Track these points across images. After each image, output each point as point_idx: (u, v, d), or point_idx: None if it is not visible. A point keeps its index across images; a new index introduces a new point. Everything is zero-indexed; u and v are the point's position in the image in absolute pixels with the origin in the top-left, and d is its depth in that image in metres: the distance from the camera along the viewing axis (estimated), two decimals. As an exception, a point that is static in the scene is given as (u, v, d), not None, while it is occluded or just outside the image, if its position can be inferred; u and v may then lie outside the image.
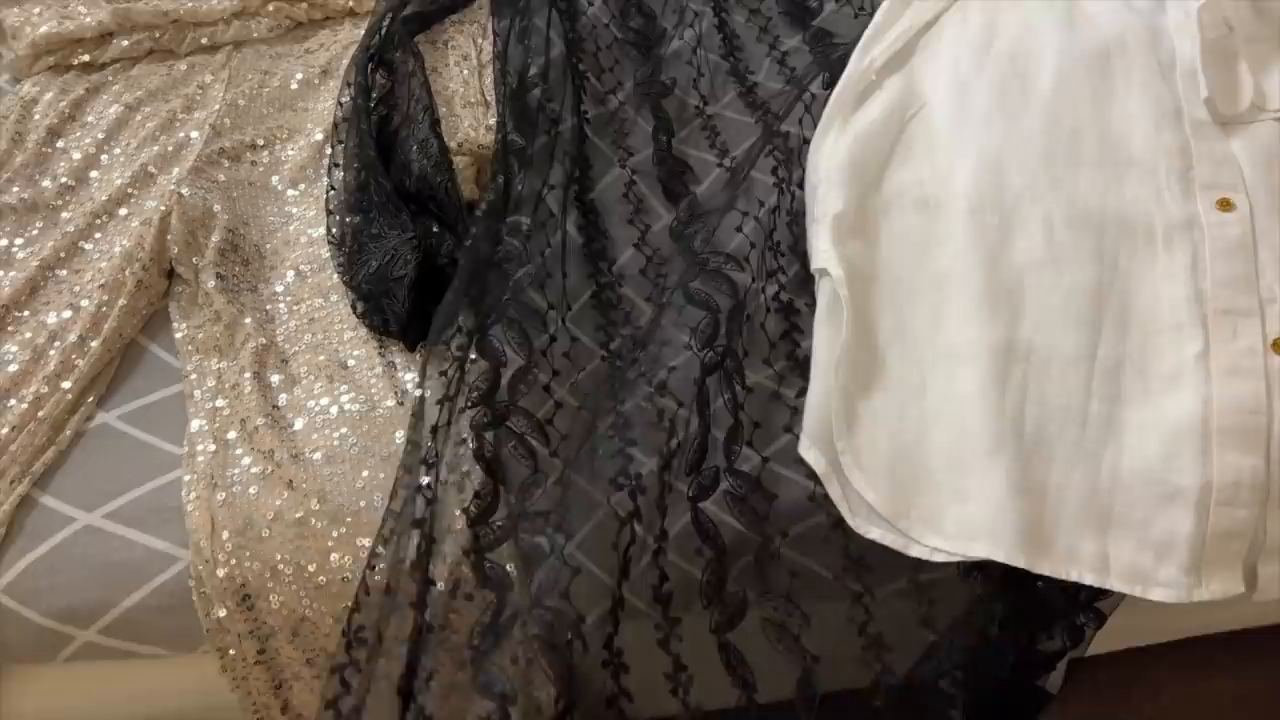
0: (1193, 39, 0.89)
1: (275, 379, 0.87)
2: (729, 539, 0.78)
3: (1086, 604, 0.80)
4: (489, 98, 1.04)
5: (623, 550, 0.77)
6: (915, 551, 0.77)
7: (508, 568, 0.78)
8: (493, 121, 1.01)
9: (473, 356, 0.85)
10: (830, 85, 0.98)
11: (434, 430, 0.81)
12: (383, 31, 1.04)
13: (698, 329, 0.85)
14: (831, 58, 1.02)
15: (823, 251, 0.85)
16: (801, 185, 0.94)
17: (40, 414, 0.84)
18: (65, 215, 0.98)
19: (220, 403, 0.86)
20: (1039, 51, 0.93)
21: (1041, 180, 0.86)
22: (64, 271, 0.94)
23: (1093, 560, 0.77)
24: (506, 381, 0.84)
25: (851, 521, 0.77)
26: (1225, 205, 0.82)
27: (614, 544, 0.77)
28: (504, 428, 0.81)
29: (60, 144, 1.04)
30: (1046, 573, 0.76)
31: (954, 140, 0.91)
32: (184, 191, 0.97)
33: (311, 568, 0.79)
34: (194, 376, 0.88)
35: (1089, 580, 0.76)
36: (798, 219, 0.92)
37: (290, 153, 1.04)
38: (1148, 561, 0.76)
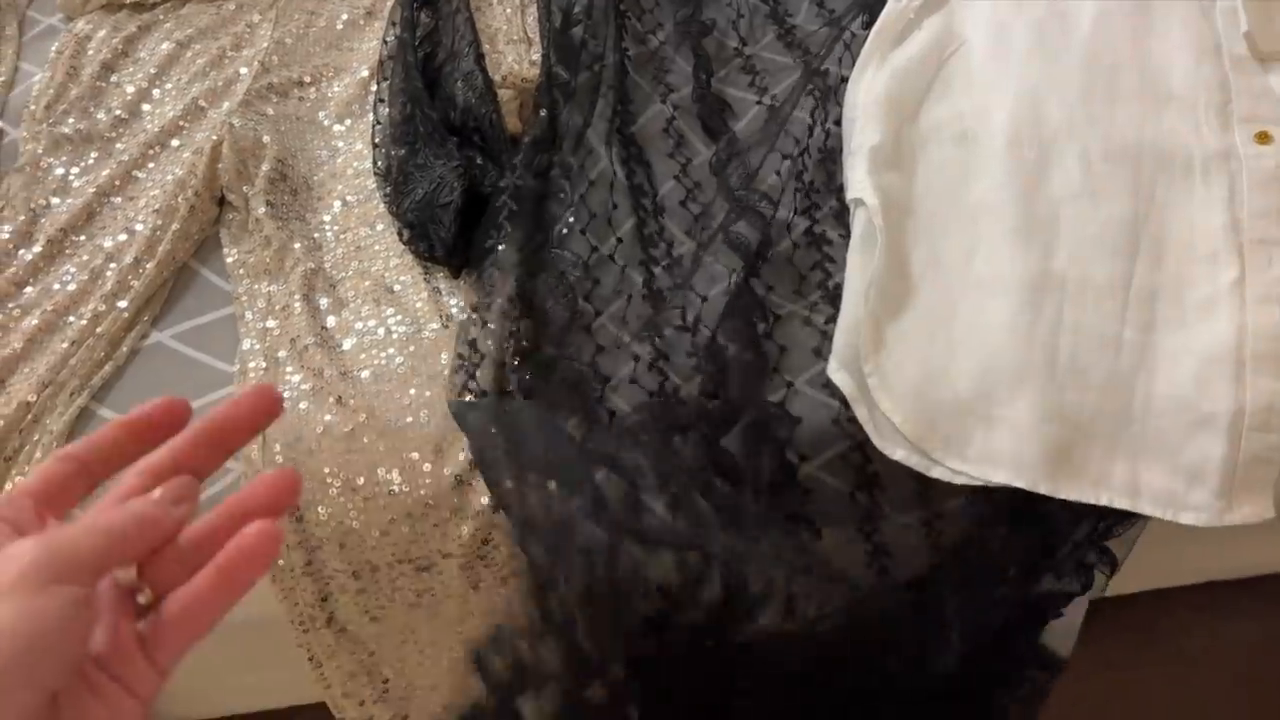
0: (1233, -24, 0.90)
1: (324, 302, 0.90)
2: (747, 469, 0.80)
3: (1094, 542, 0.81)
4: (532, 35, 1.06)
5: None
6: (936, 473, 0.78)
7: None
8: (536, 57, 1.02)
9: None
10: (870, 25, 0.99)
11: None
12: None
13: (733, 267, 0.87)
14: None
15: (858, 182, 0.87)
16: (838, 122, 0.95)
17: (99, 330, 0.87)
18: (119, 146, 1.01)
19: (270, 323, 0.88)
20: (1079, -10, 0.94)
21: (1079, 115, 0.87)
22: (119, 199, 0.97)
23: (1123, 485, 0.77)
24: (554, 334, 0.86)
25: (877, 442, 0.78)
26: (1263, 138, 0.83)
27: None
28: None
29: (114, 78, 1.06)
30: (1073, 497, 0.77)
31: (993, 77, 0.92)
32: (234, 122, 0.99)
33: (359, 481, 0.81)
34: (245, 298, 0.91)
35: (1119, 504, 0.77)
36: (833, 155, 0.93)
37: (336, 89, 1.06)
38: (1179, 486, 0.76)
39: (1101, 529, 0.83)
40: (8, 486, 0.81)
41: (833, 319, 0.85)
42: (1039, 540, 0.83)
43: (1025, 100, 0.89)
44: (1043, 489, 0.76)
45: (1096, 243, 0.82)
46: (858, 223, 0.87)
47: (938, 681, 0.87)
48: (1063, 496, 0.77)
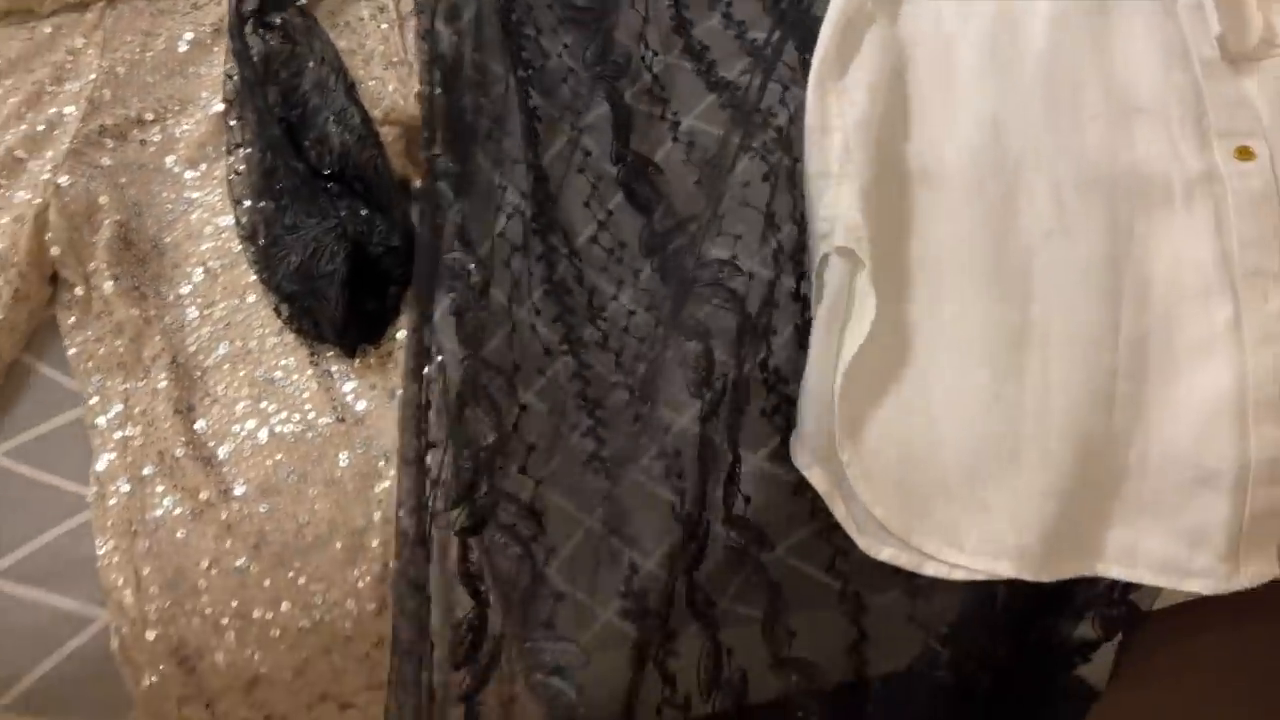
0: (1199, -32, 0.82)
1: (192, 399, 0.75)
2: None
3: (1119, 599, 0.75)
4: (414, 59, 0.91)
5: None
6: (930, 570, 0.71)
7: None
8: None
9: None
10: (801, 49, 0.86)
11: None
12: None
13: (691, 365, 0.74)
14: (795, 20, 0.90)
15: (848, 220, 0.74)
16: (792, 176, 0.83)
17: (-91, 460, 0.71)
18: (-81, 213, 0.83)
19: (131, 431, 0.74)
20: (1029, -4, 0.85)
21: (1045, 141, 0.78)
22: (-77, 282, 0.80)
23: (1120, 553, 0.72)
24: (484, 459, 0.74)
25: (860, 542, 0.71)
26: (1245, 154, 0.75)
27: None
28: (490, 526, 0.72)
29: (-95, 127, 0.88)
30: (1072, 575, 0.72)
31: (944, 105, 0.82)
32: (61, 181, 0.82)
33: (260, 618, 0.69)
34: (96, 400, 0.75)
35: (1115, 574, 0.72)
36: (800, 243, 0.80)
37: (186, 128, 0.90)
38: (1181, 551, 0.71)
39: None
40: None
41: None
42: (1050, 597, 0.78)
43: (983, 128, 0.79)
44: (1044, 577, 0.71)
45: (1077, 287, 0.74)
46: (829, 284, 0.75)
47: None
48: (1062, 578, 0.71)
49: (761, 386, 0.74)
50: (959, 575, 0.70)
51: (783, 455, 0.73)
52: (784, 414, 0.74)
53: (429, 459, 0.72)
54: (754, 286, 0.77)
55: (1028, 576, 0.69)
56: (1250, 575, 0.70)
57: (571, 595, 0.72)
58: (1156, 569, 0.71)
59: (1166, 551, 0.71)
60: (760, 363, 0.76)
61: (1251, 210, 0.74)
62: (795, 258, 0.76)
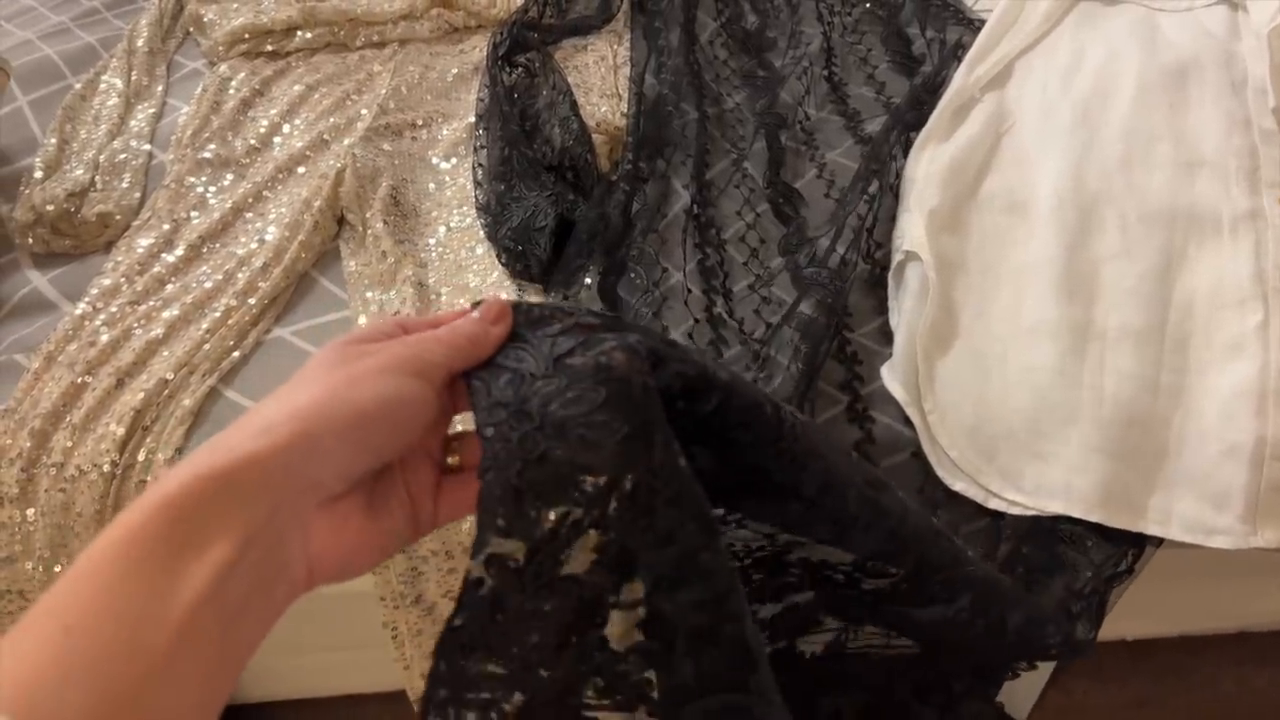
0: (1264, 61, 0.99)
1: (428, 311, 1.00)
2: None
3: (1081, 593, 0.82)
4: (623, 92, 1.17)
5: None
6: (994, 504, 0.83)
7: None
8: (627, 109, 1.14)
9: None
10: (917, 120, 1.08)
11: None
12: (512, 31, 1.18)
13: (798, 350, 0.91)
14: (929, 90, 1.13)
15: (915, 238, 0.94)
16: (893, 190, 1.03)
17: (230, 322, 0.98)
18: (252, 170, 1.13)
19: (380, 326, 0.98)
20: (1120, 71, 1.03)
21: (1118, 182, 0.95)
22: (250, 214, 1.08)
23: (1158, 515, 0.83)
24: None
25: (939, 473, 0.84)
26: (1288, 201, 0.91)
27: None
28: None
29: (250, 114, 1.20)
30: (1122, 526, 0.82)
31: (1040, 152, 1.00)
32: (357, 152, 1.11)
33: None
34: (359, 305, 1.01)
35: (1154, 531, 0.82)
36: (881, 280, 0.99)
37: (445, 133, 1.18)
38: (1207, 512, 0.81)
39: (1095, 582, 0.84)
40: (141, 455, 0.91)
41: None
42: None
43: (1069, 170, 0.97)
44: (1095, 517, 0.81)
45: (1133, 294, 0.89)
46: (913, 275, 0.94)
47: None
48: (1112, 525, 0.82)
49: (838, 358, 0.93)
50: (1016, 510, 0.83)
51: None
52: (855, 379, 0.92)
53: None
54: (844, 273, 0.96)
55: (1077, 514, 0.81)
56: (1267, 539, 0.81)
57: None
58: (1186, 528, 0.82)
59: (1195, 513, 0.82)
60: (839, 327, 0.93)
61: (1288, 242, 0.89)
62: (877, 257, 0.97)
